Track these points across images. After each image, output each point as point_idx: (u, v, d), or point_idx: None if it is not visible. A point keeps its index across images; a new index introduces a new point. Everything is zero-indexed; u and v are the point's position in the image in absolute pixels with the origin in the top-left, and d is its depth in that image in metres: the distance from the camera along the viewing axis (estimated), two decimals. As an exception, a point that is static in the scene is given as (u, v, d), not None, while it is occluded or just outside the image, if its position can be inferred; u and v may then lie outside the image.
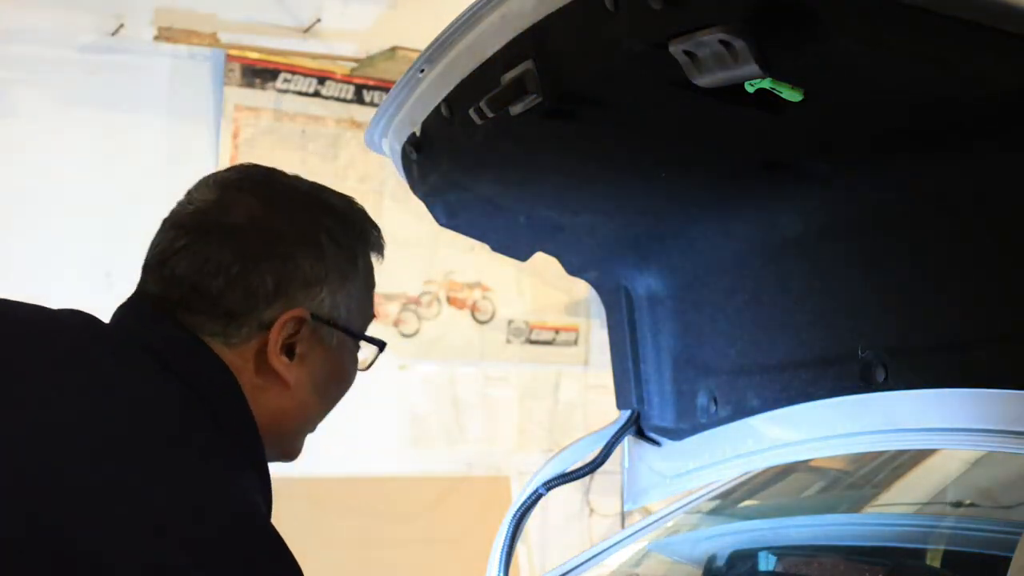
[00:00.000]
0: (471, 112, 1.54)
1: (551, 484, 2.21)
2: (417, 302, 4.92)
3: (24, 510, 1.09)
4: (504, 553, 2.20)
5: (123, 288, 1.36)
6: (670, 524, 2.47)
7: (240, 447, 1.24)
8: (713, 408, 2.02)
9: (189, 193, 1.33)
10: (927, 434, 1.68)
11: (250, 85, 4.54)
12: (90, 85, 4.38)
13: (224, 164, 4.40)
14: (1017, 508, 2.16)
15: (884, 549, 2.19)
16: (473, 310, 5.04)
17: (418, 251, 4.85)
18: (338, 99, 4.70)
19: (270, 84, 4.57)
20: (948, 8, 1.18)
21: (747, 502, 2.53)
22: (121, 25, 4.39)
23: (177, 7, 4.45)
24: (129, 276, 1.37)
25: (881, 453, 2.38)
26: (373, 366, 1.43)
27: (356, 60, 4.71)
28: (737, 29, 1.24)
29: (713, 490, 2.44)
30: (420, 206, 1.94)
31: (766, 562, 2.22)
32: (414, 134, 1.77)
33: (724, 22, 1.24)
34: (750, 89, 1.31)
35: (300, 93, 4.63)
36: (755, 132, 1.53)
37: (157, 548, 1.09)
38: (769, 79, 1.28)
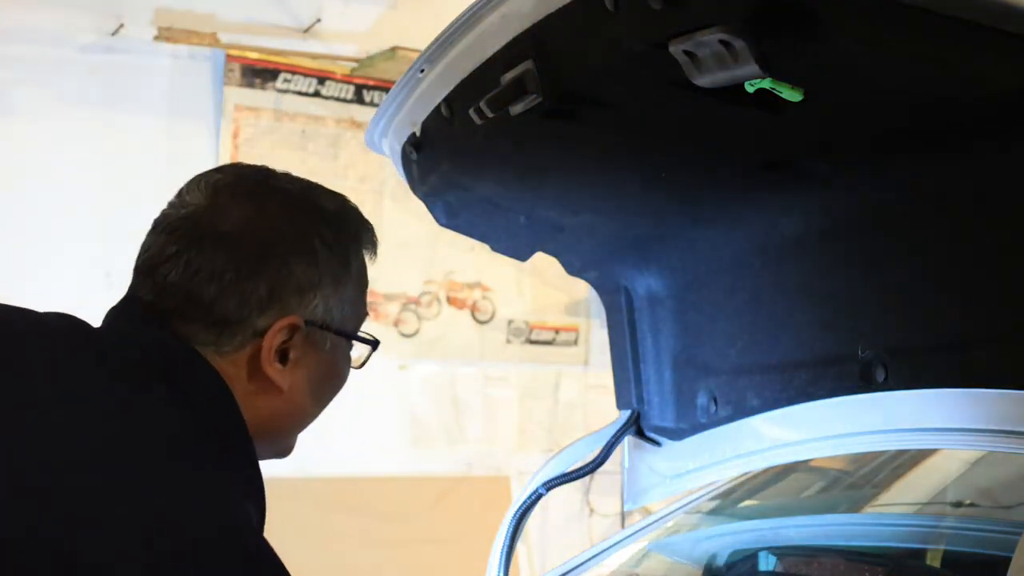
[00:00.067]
0: (471, 112, 1.54)
1: (551, 484, 2.21)
2: (417, 302, 4.92)
3: (24, 512, 1.09)
4: (504, 553, 2.20)
5: (123, 288, 1.35)
6: (670, 524, 2.47)
7: (233, 456, 1.24)
8: (713, 408, 2.02)
9: (180, 195, 1.32)
10: (927, 434, 1.68)
11: (250, 85, 4.54)
12: (90, 85, 4.38)
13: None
14: (1017, 508, 2.16)
15: (884, 549, 2.19)
16: (473, 310, 5.04)
17: (418, 251, 4.85)
18: (338, 99, 4.70)
19: (270, 84, 4.57)
20: (948, 8, 1.18)
21: (747, 502, 2.53)
22: (121, 25, 4.39)
23: (177, 7, 4.45)
24: (129, 276, 1.36)
25: (881, 453, 2.38)
26: (370, 364, 1.43)
27: (356, 60, 4.71)
28: (737, 29, 1.24)
29: (713, 490, 2.44)
30: (420, 206, 1.94)
31: (766, 562, 2.22)
32: (414, 134, 1.77)
33: (724, 22, 1.24)
34: (750, 89, 1.31)
35: (300, 93, 4.63)
36: (755, 132, 1.53)
37: (155, 551, 1.09)
38: (769, 79, 1.28)
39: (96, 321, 1.33)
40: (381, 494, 4.74)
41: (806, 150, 1.62)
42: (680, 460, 2.17)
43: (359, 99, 4.74)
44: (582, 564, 2.38)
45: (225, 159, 4.41)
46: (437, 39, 1.59)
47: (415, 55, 1.66)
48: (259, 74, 4.56)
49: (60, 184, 4.33)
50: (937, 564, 2.06)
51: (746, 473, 2.32)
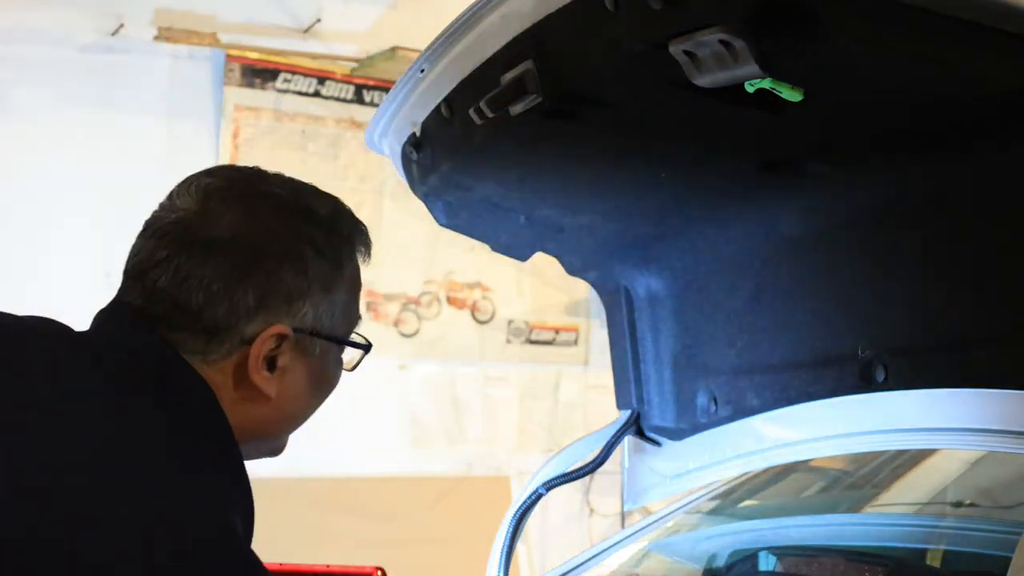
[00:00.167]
0: (471, 112, 1.54)
1: (551, 484, 2.21)
2: (417, 302, 4.91)
3: (24, 511, 1.09)
4: (504, 553, 2.20)
5: (123, 289, 1.35)
6: (670, 524, 2.47)
7: (220, 465, 1.23)
8: (713, 408, 2.02)
9: (171, 198, 1.31)
10: (927, 434, 1.68)
11: (250, 85, 4.54)
12: (90, 85, 4.38)
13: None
14: (1017, 508, 2.16)
15: (884, 549, 2.19)
16: (473, 310, 5.04)
17: (418, 251, 4.85)
18: (338, 99, 4.70)
19: (270, 84, 4.57)
20: (948, 8, 1.18)
21: (747, 502, 2.53)
22: (121, 25, 4.39)
23: (177, 7, 4.45)
24: (128, 277, 1.36)
25: (881, 453, 2.38)
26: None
27: (356, 60, 4.71)
28: (737, 29, 1.24)
29: (713, 490, 2.44)
30: (420, 206, 1.94)
31: (766, 562, 2.22)
32: (414, 134, 1.77)
33: (724, 22, 1.24)
34: (750, 89, 1.31)
35: (300, 93, 4.63)
36: (755, 132, 1.53)
37: (155, 551, 1.09)
38: (769, 79, 1.28)
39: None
40: (381, 494, 4.74)
41: (806, 150, 1.62)
42: (680, 460, 2.17)
43: (359, 99, 4.74)
44: (582, 564, 2.38)
45: (225, 159, 4.41)
46: (437, 39, 1.59)
47: (415, 55, 1.66)
48: (259, 74, 4.56)
49: (60, 184, 4.33)
50: (937, 564, 2.06)
51: (746, 473, 2.32)
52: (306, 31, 4.68)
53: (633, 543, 2.44)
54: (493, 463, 5.04)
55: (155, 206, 1.34)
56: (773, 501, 2.55)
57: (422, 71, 1.66)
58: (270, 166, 1.38)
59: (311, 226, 1.31)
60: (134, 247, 1.30)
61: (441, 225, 1.96)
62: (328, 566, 1.61)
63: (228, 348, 1.26)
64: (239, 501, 1.22)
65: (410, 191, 1.90)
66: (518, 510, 2.21)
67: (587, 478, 2.26)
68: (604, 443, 2.20)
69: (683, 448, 2.15)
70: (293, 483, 4.46)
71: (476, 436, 5.05)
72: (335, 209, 1.36)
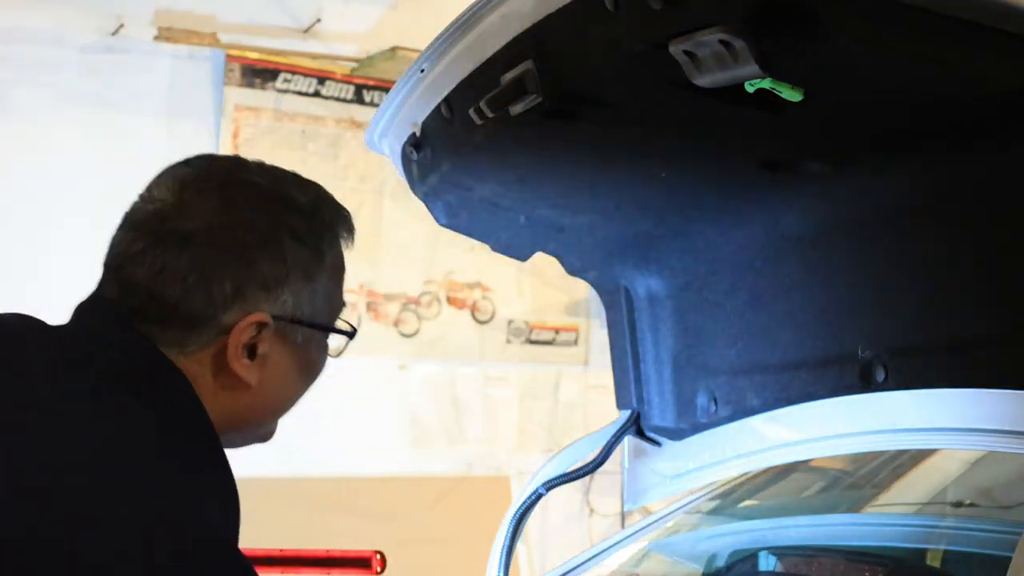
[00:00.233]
0: (471, 112, 1.54)
1: (551, 484, 2.21)
2: (417, 302, 4.92)
3: (24, 511, 1.09)
4: (504, 553, 2.20)
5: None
6: (670, 524, 2.47)
7: (209, 463, 1.23)
8: (713, 408, 2.02)
9: (149, 189, 1.31)
10: (927, 434, 1.68)
11: (250, 85, 4.54)
12: (90, 85, 4.38)
13: (224, 164, 4.39)
14: (1017, 508, 2.16)
15: (884, 549, 2.19)
16: (473, 310, 5.04)
17: (418, 251, 4.85)
18: (338, 99, 4.70)
19: (270, 84, 4.57)
20: (948, 8, 1.18)
21: (747, 502, 2.53)
22: (121, 25, 4.39)
23: (177, 7, 4.45)
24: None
25: (881, 453, 2.38)
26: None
27: (356, 60, 4.71)
28: (737, 29, 1.24)
29: (713, 490, 2.44)
30: (420, 206, 1.94)
31: (766, 562, 2.22)
32: (414, 134, 1.78)
33: (724, 22, 1.24)
34: (750, 89, 1.31)
35: (300, 93, 4.63)
36: (755, 132, 1.53)
37: (155, 552, 1.09)
38: (769, 79, 1.29)
39: None
40: (381, 494, 4.74)
41: (806, 150, 1.62)
42: (680, 460, 2.17)
43: (359, 99, 4.74)
44: (582, 564, 2.38)
45: (225, 159, 4.41)
46: (437, 39, 1.59)
47: (415, 55, 1.66)
48: (259, 74, 4.56)
49: (60, 184, 4.33)
50: (937, 564, 2.06)
51: (746, 473, 2.32)
52: (306, 31, 4.68)
53: (633, 543, 2.44)
54: (493, 463, 5.04)
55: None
56: (773, 501, 2.55)
57: (422, 71, 1.66)
58: (234, 156, 1.37)
59: (290, 214, 1.30)
60: (113, 239, 1.30)
61: (441, 225, 1.95)
62: (328, 551, 1.62)
63: (207, 338, 1.26)
64: (228, 501, 1.22)
65: (410, 191, 1.90)
66: (518, 510, 2.21)
67: (587, 478, 2.26)
68: (604, 443, 2.20)
69: (683, 448, 2.15)
70: (293, 483, 4.46)
71: (476, 436, 5.05)
72: (315, 196, 1.35)
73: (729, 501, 2.47)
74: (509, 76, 1.49)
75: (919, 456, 2.36)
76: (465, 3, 1.51)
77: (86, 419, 1.18)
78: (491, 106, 1.51)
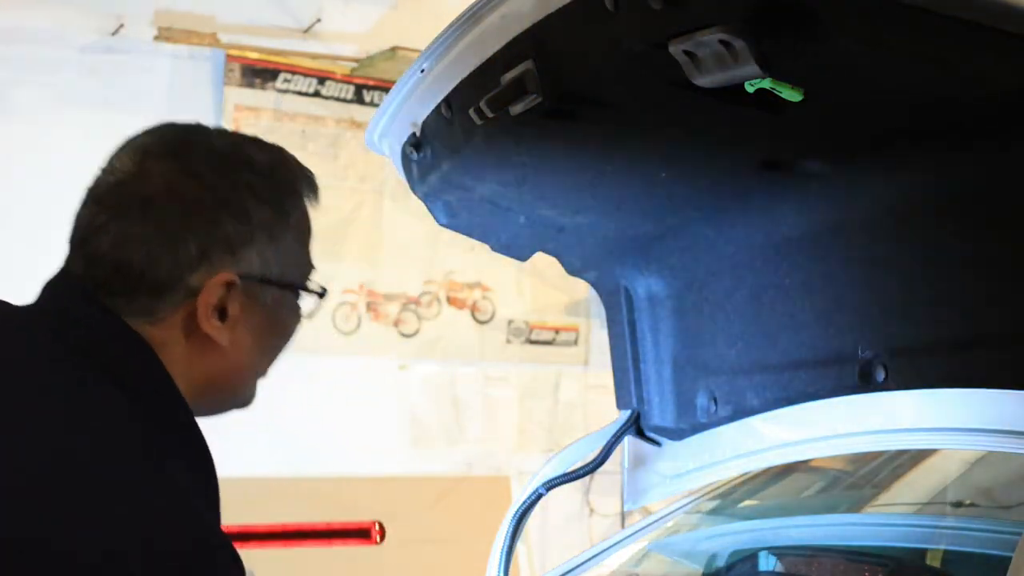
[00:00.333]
0: (471, 112, 1.55)
1: (551, 484, 2.21)
2: (417, 302, 4.91)
3: (24, 511, 1.09)
4: (504, 553, 2.20)
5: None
6: (670, 524, 2.47)
7: (173, 442, 1.23)
8: (713, 408, 2.02)
9: (110, 161, 1.31)
10: (927, 434, 1.68)
11: (250, 85, 4.54)
12: (90, 85, 4.38)
13: (224, 164, 4.39)
14: (1017, 508, 2.16)
15: (884, 549, 2.19)
16: (473, 310, 5.04)
17: (418, 251, 4.85)
18: (338, 99, 4.70)
19: (270, 84, 4.57)
20: (948, 8, 1.18)
21: (747, 502, 2.53)
22: (121, 25, 4.39)
23: (177, 7, 4.46)
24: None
25: (881, 453, 2.38)
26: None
27: (356, 60, 4.71)
28: (737, 29, 1.24)
29: (713, 490, 2.44)
30: (420, 206, 1.94)
31: (766, 562, 2.22)
32: (414, 134, 1.78)
33: (724, 22, 1.24)
34: (750, 89, 1.31)
35: (300, 93, 4.63)
36: (755, 132, 1.53)
37: (155, 551, 1.09)
38: (769, 79, 1.29)
39: None
40: (381, 494, 4.74)
41: (806, 150, 1.62)
42: (680, 460, 2.17)
43: (359, 99, 4.74)
44: (582, 564, 2.38)
45: (225, 159, 4.41)
46: (437, 39, 1.59)
47: (415, 55, 1.66)
48: (259, 74, 4.56)
49: (60, 184, 4.32)
50: (937, 564, 2.06)
51: (746, 473, 2.32)
52: (306, 31, 4.68)
53: (633, 543, 2.44)
54: (493, 463, 5.04)
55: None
56: (773, 501, 2.55)
57: (422, 71, 1.66)
58: (194, 123, 1.37)
59: (250, 174, 1.30)
60: (76, 214, 1.30)
61: (441, 225, 1.96)
62: (328, 523, 1.63)
63: (175, 302, 1.25)
64: (211, 494, 1.24)
65: (410, 191, 1.90)
66: (518, 510, 2.21)
67: (587, 478, 2.26)
68: (604, 443, 2.20)
69: (683, 448, 2.15)
70: (293, 483, 4.46)
71: (476, 436, 5.05)
72: (276, 157, 1.35)
73: (729, 501, 2.47)
74: (509, 76, 1.49)
75: (919, 456, 2.36)
76: (465, 3, 1.51)
77: (61, 409, 1.17)
78: (491, 106, 1.51)
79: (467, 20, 1.53)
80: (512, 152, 1.67)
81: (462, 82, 1.61)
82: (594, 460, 2.21)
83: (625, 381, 2.18)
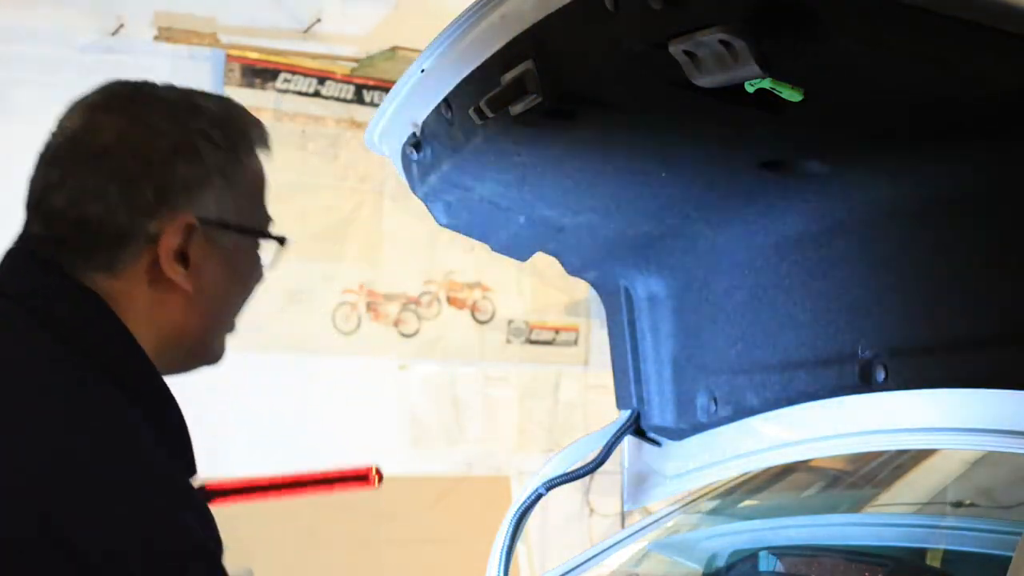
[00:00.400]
0: (471, 112, 1.54)
1: (551, 484, 2.21)
2: (417, 302, 4.92)
3: (26, 509, 1.09)
4: (504, 553, 2.20)
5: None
6: (670, 524, 2.47)
7: (132, 401, 1.22)
8: (713, 408, 2.02)
9: (60, 122, 1.31)
10: (927, 434, 1.68)
11: (250, 85, 4.54)
12: (90, 85, 4.37)
13: (224, 164, 4.39)
14: (1017, 508, 2.16)
15: (884, 549, 2.19)
16: (473, 310, 5.04)
17: (418, 251, 4.85)
18: (338, 99, 4.70)
19: (270, 84, 4.57)
20: (948, 8, 1.18)
21: (747, 502, 2.53)
22: (121, 25, 4.39)
23: (177, 7, 4.46)
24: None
25: (881, 453, 2.38)
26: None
27: (356, 60, 4.71)
28: (737, 29, 1.24)
29: (713, 490, 2.44)
30: (420, 206, 1.94)
31: (766, 562, 2.22)
32: (414, 134, 1.78)
33: (724, 22, 1.24)
34: (750, 89, 1.31)
35: (300, 93, 4.63)
36: (755, 132, 1.53)
37: (155, 552, 1.09)
38: (769, 79, 1.28)
39: None
40: (381, 494, 4.74)
41: (806, 150, 1.62)
42: (680, 460, 2.17)
43: (359, 99, 4.74)
44: (582, 564, 2.38)
45: (225, 159, 4.41)
46: (437, 39, 1.59)
47: (415, 55, 1.66)
48: (259, 74, 4.56)
49: (60, 184, 4.33)
50: (937, 564, 2.06)
51: (746, 473, 2.32)
52: (306, 31, 4.68)
53: (633, 543, 2.44)
54: (493, 463, 5.04)
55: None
56: (773, 501, 2.55)
57: (422, 71, 1.66)
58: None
59: (200, 120, 1.31)
60: (30, 179, 1.31)
61: (441, 225, 1.95)
62: (326, 472, 1.65)
63: (136, 251, 1.26)
64: (185, 457, 1.25)
65: (410, 191, 1.90)
66: (518, 510, 2.21)
67: (587, 478, 2.26)
68: (604, 443, 2.20)
69: (683, 448, 2.15)
70: (293, 483, 4.46)
71: (476, 436, 5.05)
72: (227, 105, 1.36)
73: (729, 501, 2.47)
74: (509, 76, 1.49)
75: (919, 456, 2.36)
76: (465, 3, 1.51)
77: (75, 410, 1.17)
78: (491, 106, 1.51)
79: (467, 20, 1.53)
80: (512, 152, 1.67)
81: (462, 82, 1.61)
82: (594, 460, 2.21)
83: (625, 381, 2.18)
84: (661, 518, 2.47)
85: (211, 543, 1.17)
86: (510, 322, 5.10)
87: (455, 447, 5.01)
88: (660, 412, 2.15)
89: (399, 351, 4.86)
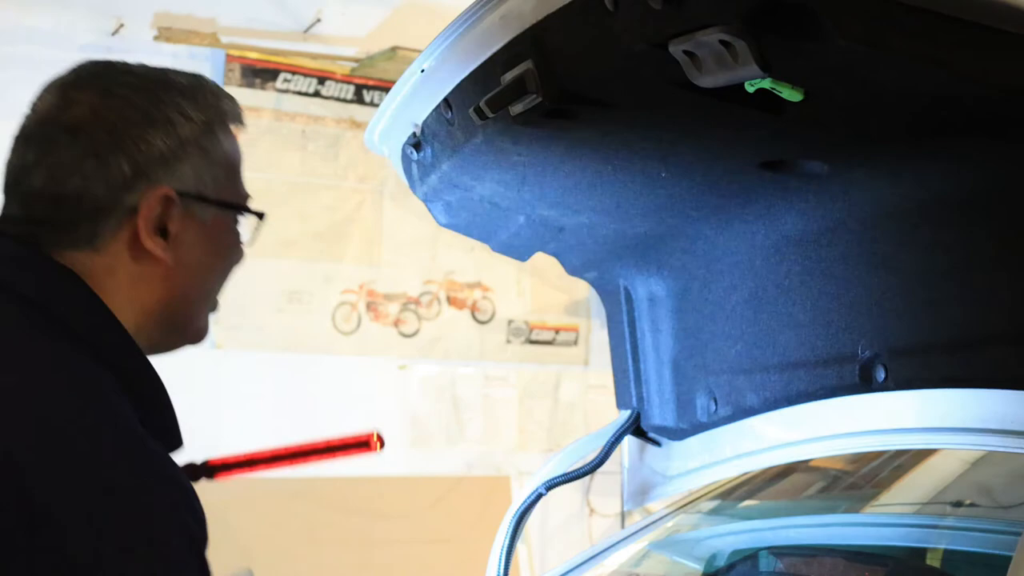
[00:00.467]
0: (471, 112, 1.54)
1: (552, 484, 2.21)
2: (417, 302, 4.91)
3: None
4: (504, 553, 2.20)
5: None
6: (670, 524, 2.47)
7: (109, 370, 1.23)
8: (713, 408, 2.02)
9: (32, 104, 1.32)
10: (927, 434, 1.68)
11: (250, 85, 4.54)
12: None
13: (224, 164, 4.40)
14: (1017, 508, 2.16)
15: (884, 549, 2.19)
16: (473, 310, 5.04)
17: (418, 251, 4.85)
18: (338, 99, 4.70)
19: (270, 84, 4.57)
20: (948, 8, 1.18)
21: (747, 502, 2.53)
22: (121, 25, 4.39)
23: (177, 7, 4.46)
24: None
25: (881, 453, 2.38)
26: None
27: (356, 60, 4.71)
28: (737, 29, 1.24)
29: (713, 490, 2.44)
30: (420, 206, 1.94)
31: (766, 562, 2.22)
32: (414, 134, 1.78)
33: (724, 22, 1.24)
34: (750, 89, 1.31)
35: (300, 93, 4.63)
36: (755, 132, 1.53)
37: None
38: (769, 79, 1.28)
39: None
40: (381, 494, 4.74)
41: (806, 150, 1.62)
42: (680, 460, 2.17)
43: (359, 99, 4.74)
44: (582, 564, 2.38)
45: (225, 159, 4.41)
46: (437, 39, 1.59)
47: (415, 55, 1.66)
48: (259, 74, 4.56)
49: (60, 184, 4.33)
50: (937, 564, 2.06)
51: (746, 473, 2.32)
52: (306, 31, 4.68)
53: (633, 543, 2.44)
54: (493, 463, 5.04)
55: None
56: (773, 501, 2.55)
57: (422, 71, 1.66)
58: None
59: (172, 94, 1.32)
60: (7, 162, 1.31)
61: (441, 225, 1.96)
62: (327, 440, 1.66)
63: (116, 225, 1.27)
64: (168, 426, 1.26)
65: (410, 191, 1.90)
66: (518, 510, 2.21)
67: (587, 478, 2.26)
68: (604, 443, 2.21)
69: (683, 448, 2.15)
70: (294, 483, 4.46)
71: (476, 436, 5.05)
72: (197, 79, 1.37)
73: (729, 501, 2.47)
74: (509, 76, 1.49)
75: (919, 456, 2.36)
76: (465, 3, 1.51)
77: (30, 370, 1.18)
78: (491, 106, 1.51)
79: (467, 20, 1.53)
80: (512, 152, 1.67)
81: (462, 82, 1.61)
82: (594, 460, 2.21)
83: (625, 381, 2.18)
84: (661, 518, 2.47)
85: (183, 480, 1.18)
86: (510, 322, 5.10)
87: (455, 447, 5.01)
88: (660, 412, 2.15)
89: (399, 351, 4.86)
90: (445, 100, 1.66)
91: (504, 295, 5.08)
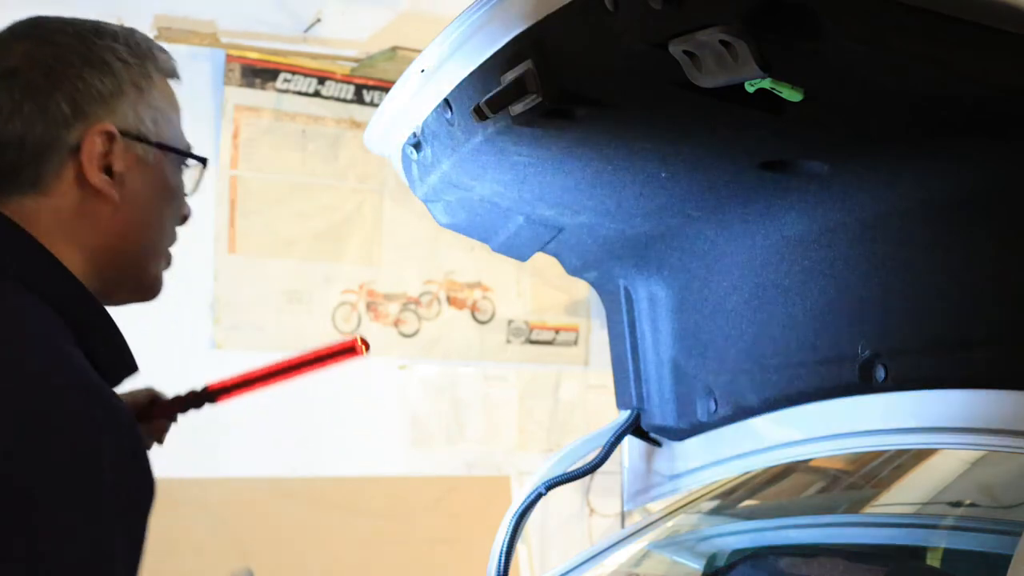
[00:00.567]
0: (471, 112, 1.54)
1: (551, 484, 2.21)
2: (417, 302, 4.91)
3: None
4: (504, 553, 2.20)
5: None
6: (670, 524, 2.47)
7: (49, 305, 1.24)
8: (713, 408, 2.02)
9: None
10: (927, 434, 1.68)
11: (250, 85, 4.54)
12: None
13: (225, 164, 4.40)
14: (1017, 508, 2.15)
15: (884, 549, 2.19)
16: (473, 310, 5.04)
17: (418, 251, 4.85)
18: (338, 99, 4.70)
19: (270, 84, 4.57)
20: (948, 8, 1.18)
21: (747, 502, 2.53)
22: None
23: (177, 8, 4.45)
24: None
25: (881, 453, 2.38)
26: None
27: (356, 60, 4.70)
28: (737, 29, 1.24)
29: (713, 490, 2.44)
30: (420, 206, 1.94)
31: (766, 562, 2.22)
32: (414, 134, 1.78)
33: (724, 22, 1.24)
34: (750, 89, 1.31)
35: (300, 93, 4.63)
36: (755, 132, 1.53)
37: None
38: (769, 79, 1.28)
39: None
40: (381, 494, 4.74)
41: (806, 150, 1.62)
42: (680, 460, 2.17)
43: (359, 99, 4.74)
44: (582, 564, 2.38)
45: (225, 160, 4.41)
46: (437, 39, 1.59)
47: (415, 55, 1.66)
48: (259, 74, 4.56)
49: (60, 184, 4.33)
50: (937, 564, 2.05)
51: (746, 473, 2.32)
52: (306, 31, 4.68)
53: (633, 543, 2.44)
54: (493, 463, 5.04)
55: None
56: (773, 501, 2.55)
57: (422, 71, 1.66)
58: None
59: (107, 39, 1.37)
60: None
61: (441, 225, 1.96)
62: (315, 351, 1.70)
63: (58, 163, 1.29)
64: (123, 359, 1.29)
65: (410, 191, 1.90)
66: (518, 510, 2.21)
67: (587, 478, 2.26)
68: (604, 443, 2.21)
69: (683, 448, 2.15)
70: (294, 483, 4.46)
71: (476, 436, 5.05)
72: (129, 29, 1.42)
73: (729, 501, 2.47)
74: (509, 76, 1.49)
75: (919, 456, 2.36)
76: (465, 3, 1.51)
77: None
78: (491, 106, 1.51)
79: (467, 20, 1.53)
80: (512, 152, 1.67)
81: (462, 82, 1.61)
82: (594, 460, 2.21)
83: (625, 381, 2.18)
84: (661, 518, 2.47)
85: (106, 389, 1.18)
86: (510, 322, 5.10)
87: (455, 447, 5.01)
88: (660, 412, 2.15)
89: (399, 351, 4.86)
90: (445, 100, 1.66)
91: (504, 295, 5.07)
